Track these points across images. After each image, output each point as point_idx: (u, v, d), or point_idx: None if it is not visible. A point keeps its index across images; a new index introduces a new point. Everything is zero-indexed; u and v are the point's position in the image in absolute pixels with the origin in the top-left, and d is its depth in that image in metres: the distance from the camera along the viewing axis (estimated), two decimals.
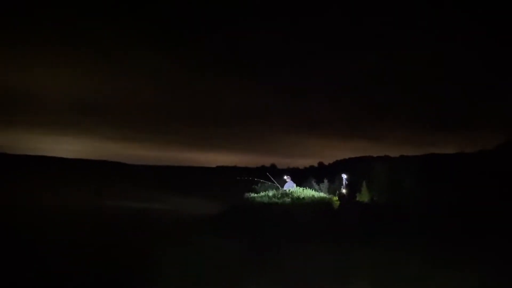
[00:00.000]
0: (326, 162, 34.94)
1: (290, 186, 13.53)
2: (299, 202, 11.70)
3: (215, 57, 42.32)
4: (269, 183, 14.26)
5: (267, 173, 14.83)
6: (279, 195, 12.33)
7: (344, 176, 13.03)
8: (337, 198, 12.25)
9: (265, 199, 12.07)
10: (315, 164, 35.38)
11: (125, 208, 15.15)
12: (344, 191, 12.38)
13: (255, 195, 12.92)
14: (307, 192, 12.77)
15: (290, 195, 12.25)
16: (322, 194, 13.12)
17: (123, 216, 13.05)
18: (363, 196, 14.32)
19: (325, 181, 15.86)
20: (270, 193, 12.67)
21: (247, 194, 13.21)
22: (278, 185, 14.00)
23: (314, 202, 11.81)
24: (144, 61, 44.06)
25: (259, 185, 14.52)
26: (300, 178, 16.14)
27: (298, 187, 13.46)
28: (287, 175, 14.30)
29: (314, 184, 15.72)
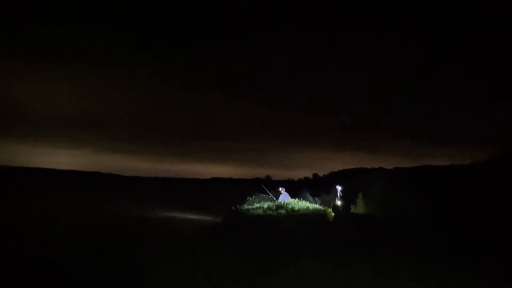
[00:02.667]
0: (321, 174, 34.96)
1: (285, 198, 13.50)
2: (294, 214, 11.66)
3: (210, 71, 42.57)
4: (264, 195, 14.23)
5: (262, 185, 14.81)
6: (274, 207, 12.28)
7: (339, 187, 13.04)
8: (332, 210, 12.24)
9: (260, 211, 12.01)
10: (310, 176, 35.36)
11: (120, 217, 15.05)
12: (338, 202, 12.38)
13: (250, 207, 12.87)
14: (302, 204, 12.74)
15: (285, 207, 12.21)
16: (317, 206, 13.10)
17: (116, 225, 12.98)
18: (359, 208, 14.32)
19: (320, 192, 15.86)
20: (265, 205, 12.62)
21: (242, 206, 13.16)
22: (273, 197, 13.98)
23: (309, 214, 11.77)
24: (140, 76, 44.27)
25: (253, 196, 14.49)
26: (295, 189, 16.14)
27: (293, 199, 13.44)
28: (281, 187, 14.29)
29: (309, 196, 15.72)
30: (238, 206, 13.21)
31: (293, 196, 14.04)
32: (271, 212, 11.83)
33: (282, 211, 11.88)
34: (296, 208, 12.20)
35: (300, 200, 13.38)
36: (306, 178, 34.42)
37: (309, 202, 13.72)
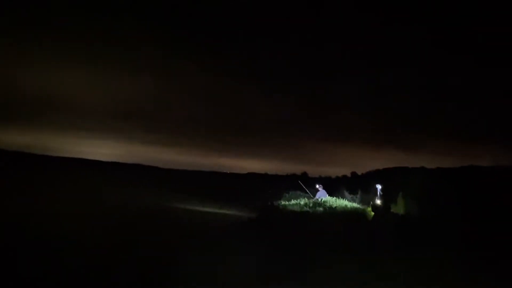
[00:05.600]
0: (359, 172, 34.12)
1: (322, 195, 13.31)
2: (331, 212, 11.48)
3: (251, 68, 42.85)
4: (301, 191, 14.09)
5: (299, 181, 14.66)
6: (311, 204, 12.15)
7: (379, 186, 12.66)
8: (371, 209, 11.93)
9: (297, 208, 11.92)
10: (348, 174, 34.59)
11: (160, 210, 15.49)
12: (378, 202, 12.03)
13: (286, 203, 12.79)
14: (340, 202, 12.52)
15: (322, 205, 12.05)
16: (355, 205, 12.83)
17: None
18: (399, 208, 13.86)
19: (359, 191, 15.47)
20: (302, 202, 12.51)
21: (278, 202, 13.11)
22: (310, 193, 13.81)
23: (347, 212, 11.55)
24: (181, 71, 45.29)
25: (290, 193, 14.37)
26: (332, 187, 15.85)
27: (330, 197, 13.23)
28: (319, 183, 14.07)
29: (347, 194, 15.39)
30: (273, 202, 13.16)
31: (330, 193, 13.81)
32: (308, 209, 11.71)
33: (320, 209, 11.72)
34: (334, 206, 12.01)
35: (338, 198, 13.15)
36: (344, 176, 33.72)
37: (347, 200, 13.46)
